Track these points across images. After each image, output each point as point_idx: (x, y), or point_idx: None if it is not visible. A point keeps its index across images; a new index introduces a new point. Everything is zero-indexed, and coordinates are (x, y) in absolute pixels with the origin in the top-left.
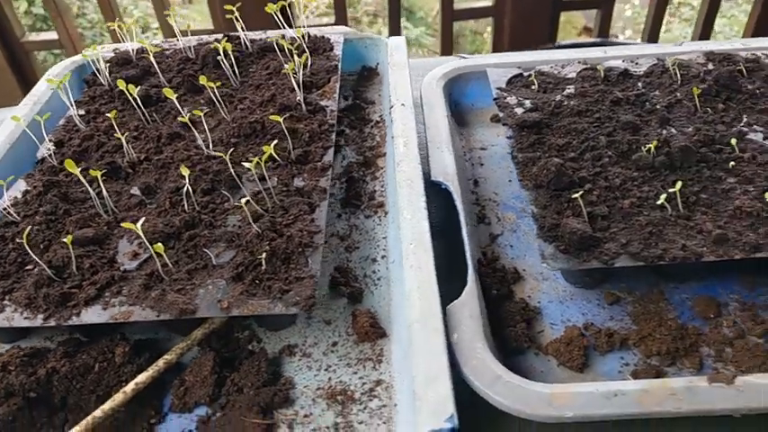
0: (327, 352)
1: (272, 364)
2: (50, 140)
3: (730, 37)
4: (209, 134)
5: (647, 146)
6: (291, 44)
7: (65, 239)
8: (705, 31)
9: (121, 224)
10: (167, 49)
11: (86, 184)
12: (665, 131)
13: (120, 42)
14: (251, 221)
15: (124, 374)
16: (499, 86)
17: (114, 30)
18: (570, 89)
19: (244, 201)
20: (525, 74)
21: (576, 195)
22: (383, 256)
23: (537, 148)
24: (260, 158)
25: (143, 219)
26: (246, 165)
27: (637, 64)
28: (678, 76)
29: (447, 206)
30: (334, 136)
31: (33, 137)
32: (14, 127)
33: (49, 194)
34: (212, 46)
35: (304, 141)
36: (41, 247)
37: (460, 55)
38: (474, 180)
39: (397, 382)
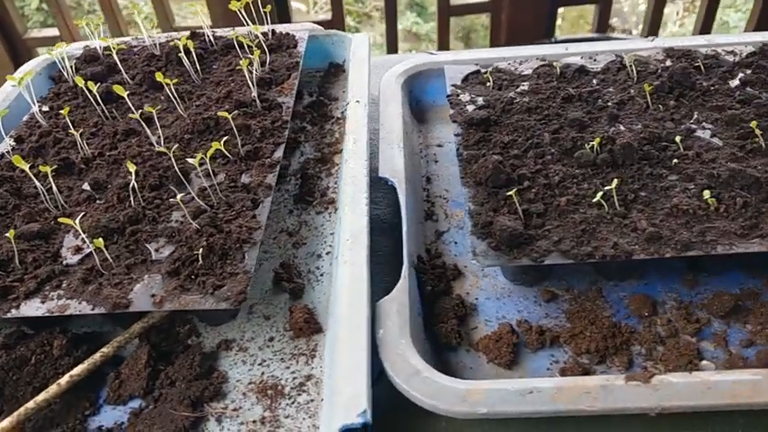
0: (263, 347)
1: (207, 359)
2: (11, 137)
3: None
4: (160, 131)
5: (591, 143)
6: (252, 41)
7: (8, 234)
8: (706, 25)
9: (59, 219)
10: (135, 47)
11: (35, 180)
12: (612, 129)
13: (124, 36)
14: (188, 217)
15: (61, 367)
16: (454, 83)
17: (118, 24)
18: (524, 86)
19: (179, 197)
20: (482, 71)
21: (511, 193)
22: (328, 252)
23: (482, 146)
24: (204, 155)
25: (82, 214)
26: (191, 161)
27: (595, 60)
28: (635, 72)
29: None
30: (287, 132)
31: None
32: None
33: (1, 189)
34: (173, 43)
35: (255, 138)
36: None
37: (429, 51)
38: (427, 177)
39: (326, 377)
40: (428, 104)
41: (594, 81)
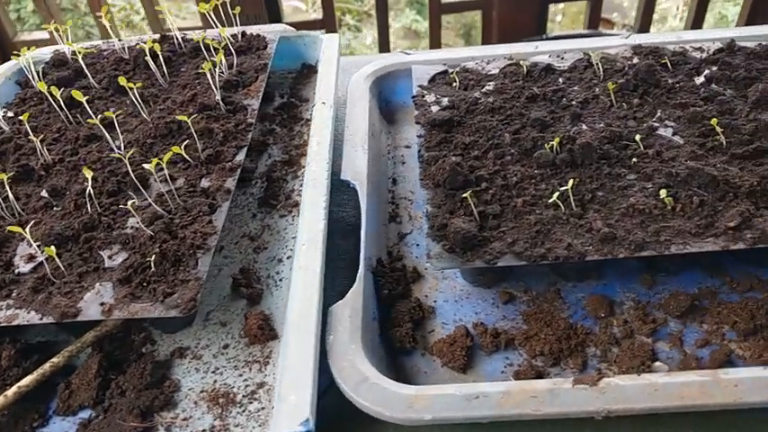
0: (218, 354)
1: (160, 367)
2: None
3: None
4: (122, 135)
5: (550, 143)
6: (219, 44)
7: None
8: (697, 19)
9: (9, 228)
10: (105, 51)
11: None
12: (575, 128)
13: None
14: (140, 223)
15: (9, 378)
16: (421, 84)
17: (105, 26)
18: (490, 86)
19: (130, 203)
20: (450, 71)
21: (466, 195)
22: (289, 257)
23: (444, 147)
24: (160, 159)
25: (37, 222)
26: (146, 166)
27: (562, 59)
28: (601, 70)
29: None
30: (250, 135)
31: None
32: None
33: None
34: (139, 47)
35: (218, 141)
36: None
37: (404, 51)
38: (393, 178)
39: (277, 384)
40: (398, 105)
41: (561, 80)
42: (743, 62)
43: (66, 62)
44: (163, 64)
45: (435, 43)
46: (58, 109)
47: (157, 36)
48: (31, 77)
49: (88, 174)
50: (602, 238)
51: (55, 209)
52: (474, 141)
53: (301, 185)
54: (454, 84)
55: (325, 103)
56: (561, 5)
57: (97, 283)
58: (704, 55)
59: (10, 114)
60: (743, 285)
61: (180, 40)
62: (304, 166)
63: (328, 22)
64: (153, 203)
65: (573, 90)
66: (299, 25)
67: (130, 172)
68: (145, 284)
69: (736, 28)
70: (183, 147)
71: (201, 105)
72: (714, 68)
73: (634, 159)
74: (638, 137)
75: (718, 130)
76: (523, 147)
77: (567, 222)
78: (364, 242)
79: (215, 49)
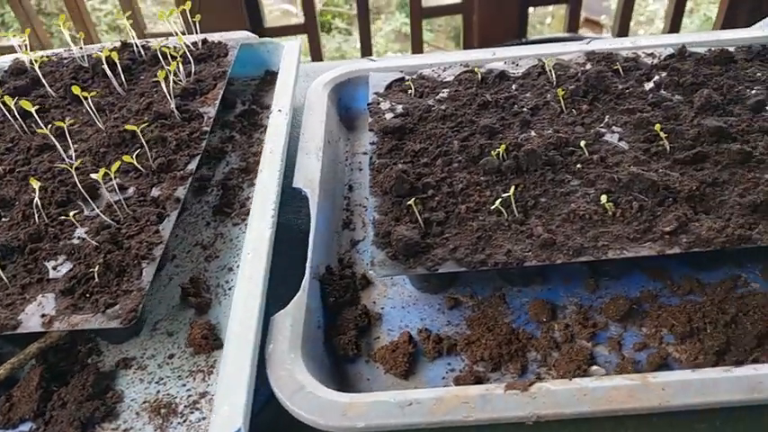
0: (163, 364)
1: (104, 378)
2: None
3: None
4: (73, 145)
5: (497, 150)
6: (177, 51)
7: None
8: (675, 22)
9: None
10: (66, 59)
11: None
12: (523, 135)
13: (94, 44)
14: (85, 234)
15: None
16: (377, 91)
17: (88, 31)
18: (444, 93)
19: (72, 214)
20: (406, 78)
21: (410, 202)
22: (239, 265)
23: (395, 155)
24: (109, 169)
25: None
26: (94, 176)
27: (517, 66)
28: (554, 77)
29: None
30: (203, 144)
31: None
32: None
33: None
34: (94, 55)
35: (170, 150)
36: None
37: (370, 58)
38: (349, 185)
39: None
40: (359, 112)
41: (514, 86)
42: (692, 68)
43: (26, 70)
44: (121, 72)
45: (418, 46)
46: (11, 119)
47: (118, 44)
48: None
49: (35, 184)
50: (542, 244)
51: (2, 220)
52: (424, 149)
53: None
54: (410, 91)
55: (281, 111)
56: (550, 8)
57: (40, 295)
58: (655, 61)
59: None
60: (683, 288)
61: (140, 47)
62: None
63: (310, 27)
64: (101, 213)
65: (525, 97)
66: (280, 30)
67: (77, 183)
68: (88, 295)
69: (690, 33)
70: (135, 156)
71: (156, 114)
72: (663, 74)
73: (578, 165)
74: (583, 143)
75: (662, 135)
76: (471, 154)
77: (509, 228)
78: (311, 251)
79: (172, 56)
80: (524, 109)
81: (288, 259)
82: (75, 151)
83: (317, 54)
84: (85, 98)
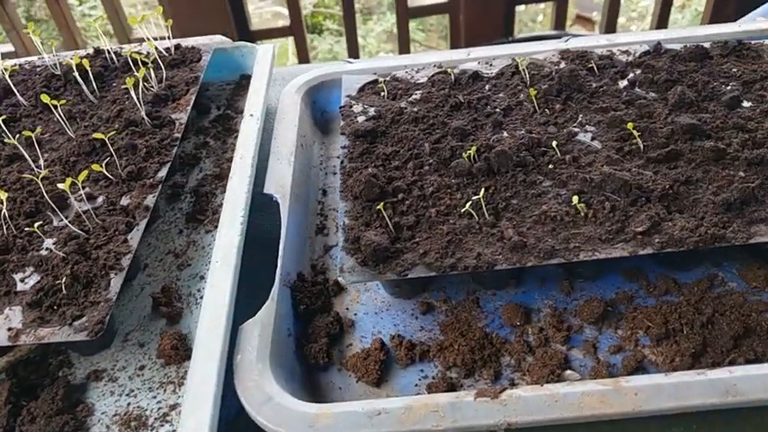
0: (134, 376)
1: (74, 391)
2: None
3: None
4: (43, 155)
5: (468, 152)
6: (148, 57)
7: None
8: (662, 18)
9: None
10: (38, 66)
11: None
12: (495, 136)
13: (80, 50)
14: (52, 246)
15: None
16: (350, 94)
17: (74, 38)
18: (417, 95)
19: (37, 225)
20: (379, 80)
21: (379, 207)
22: None
23: (366, 158)
24: (76, 179)
25: None
26: (61, 186)
27: (491, 66)
28: (527, 76)
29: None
30: (174, 150)
31: None
32: None
33: None
34: (64, 62)
35: (140, 157)
36: None
37: (347, 60)
38: (323, 189)
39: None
40: (334, 115)
41: (487, 87)
42: (666, 65)
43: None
44: (92, 80)
45: (404, 46)
46: None
47: (91, 51)
48: None
49: (2, 195)
50: (513, 247)
51: None
52: (395, 152)
53: None
54: (383, 93)
55: (253, 116)
56: (542, 5)
57: (7, 308)
58: (630, 58)
59: None
60: (659, 289)
61: (112, 54)
62: None
63: (296, 29)
64: (69, 224)
65: (498, 97)
66: (266, 33)
67: (44, 193)
68: (55, 308)
69: (668, 30)
70: (105, 164)
71: (127, 121)
72: (638, 72)
73: (551, 166)
74: (555, 143)
75: (635, 133)
76: (442, 156)
77: (480, 231)
78: (282, 258)
79: (143, 62)
80: (497, 110)
81: (260, 267)
82: (45, 161)
83: (303, 56)
84: (55, 106)
